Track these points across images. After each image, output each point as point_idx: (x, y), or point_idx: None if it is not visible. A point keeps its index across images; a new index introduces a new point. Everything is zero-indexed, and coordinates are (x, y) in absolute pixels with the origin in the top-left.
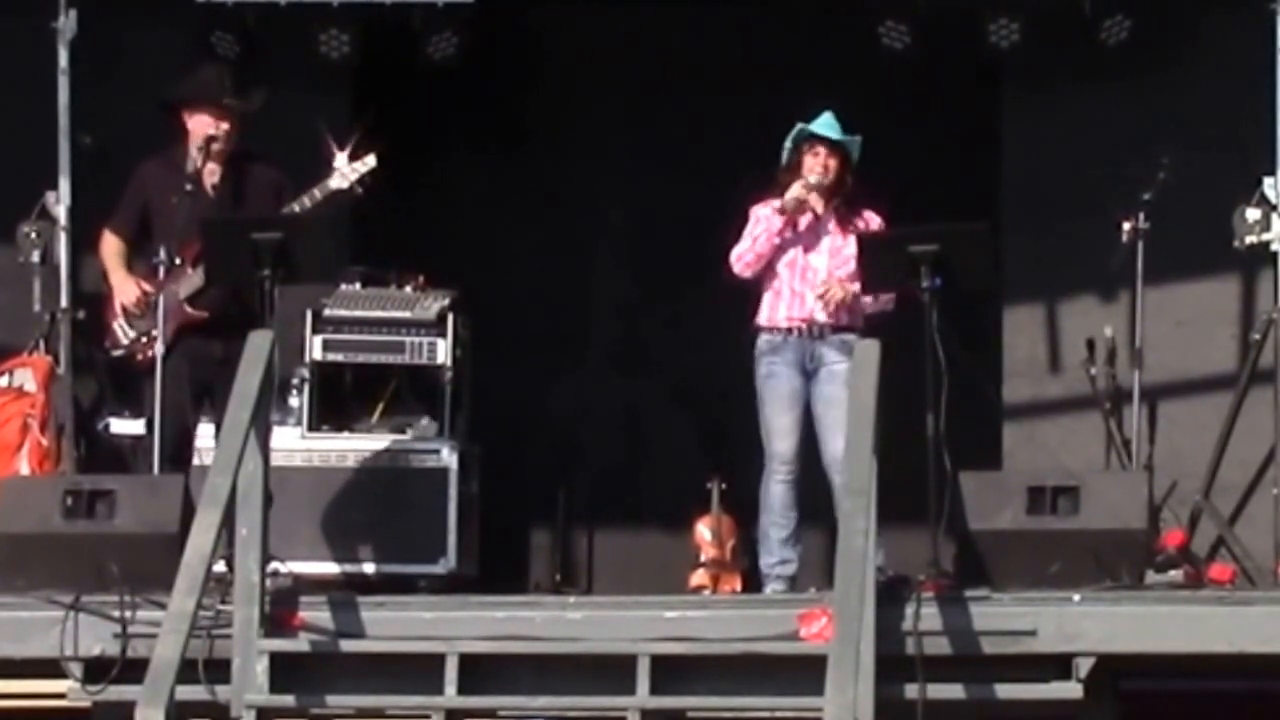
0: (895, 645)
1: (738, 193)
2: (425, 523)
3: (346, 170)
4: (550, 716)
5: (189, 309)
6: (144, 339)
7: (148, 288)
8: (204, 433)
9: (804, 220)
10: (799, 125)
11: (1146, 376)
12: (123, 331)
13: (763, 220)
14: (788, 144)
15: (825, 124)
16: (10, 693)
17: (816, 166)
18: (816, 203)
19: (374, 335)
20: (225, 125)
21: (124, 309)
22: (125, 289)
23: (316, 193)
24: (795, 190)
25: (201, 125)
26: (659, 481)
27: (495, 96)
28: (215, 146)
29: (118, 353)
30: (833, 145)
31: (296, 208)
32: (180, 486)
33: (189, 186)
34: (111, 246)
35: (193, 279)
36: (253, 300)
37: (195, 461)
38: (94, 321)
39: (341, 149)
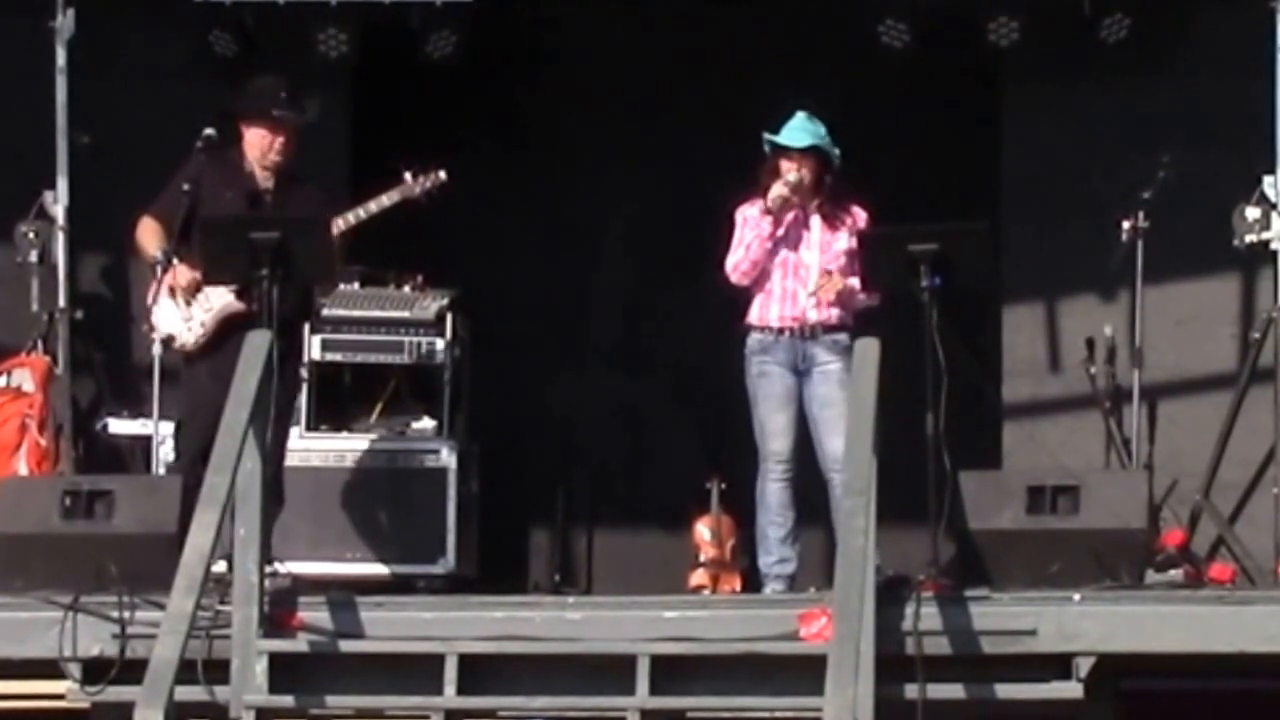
0: (895, 645)
1: (736, 191)
2: (424, 523)
3: (416, 183)
4: (550, 716)
5: (236, 301)
6: (185, 325)
7: (198, 275)
8: None
9: (789, 220)
10: (765, 135)
11: (1146, 376)
12: (165, 318)
13: (750, 222)
14: (766, 149)
15: (795, 127)
16: (9, 693)
17: (792, 169)
18: (803, 194)
19: (373, 335)
20: (281, 138)
21: (173, 290)
22: (180, 271)
23: (385, 200)
24: (777, 189)
25: (258, 138)
26: (659, 481)
27: (494, 95)
28: (273, 157)
29: (156, 337)
30: (804, 150)
31: (363, 213)
32: (179, 486)
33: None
34: (152, 232)
35: None
36: (310, 294)
37: None
38: (131, 309)
39: (408, 169)
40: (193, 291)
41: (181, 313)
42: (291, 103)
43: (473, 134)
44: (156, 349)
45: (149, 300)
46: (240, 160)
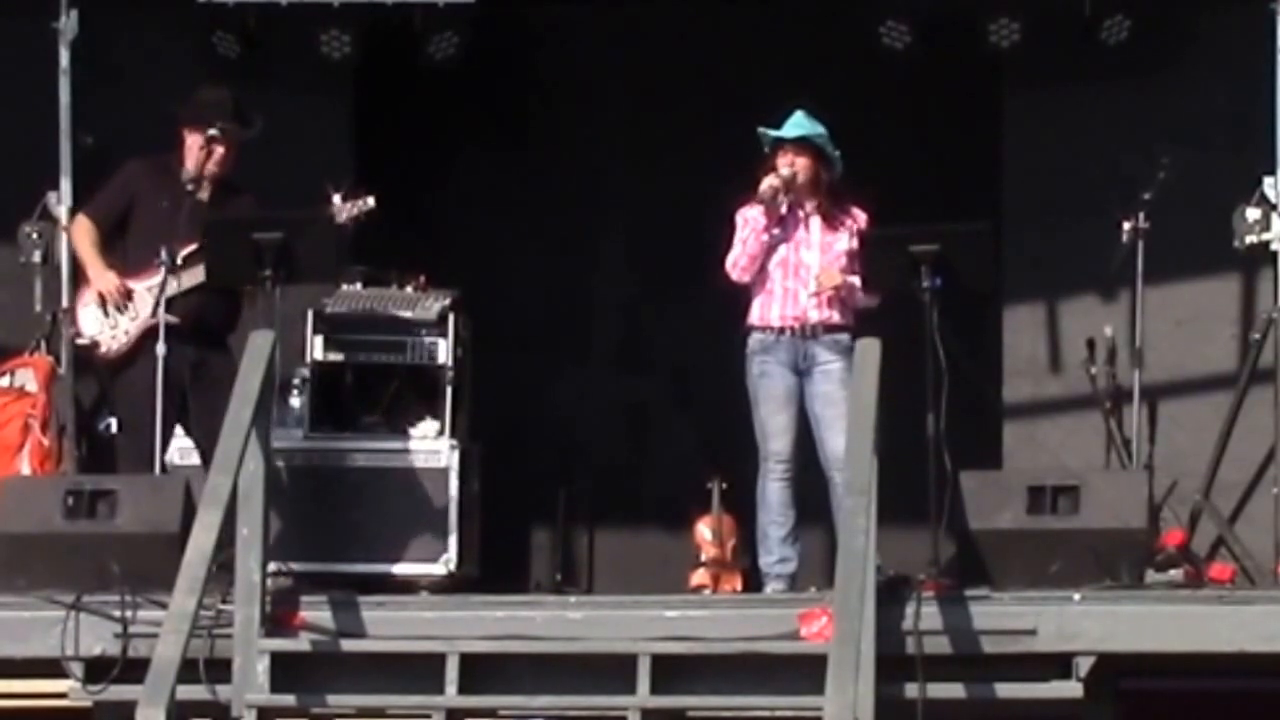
0: (895, 645)
1: (736, 192)
2: (426, 522)
3: (343, 208)
4: (550, 716)
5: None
6: (110, 333)
7: (128, 283)
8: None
9: (790, 220)
10: (759, 130)
11: (1146, 376)
12: (90, 321)
13: (751, 223)
14: (766, 148)
15: (791, 124)
16: (11, 693)
17: (785, 163)
18: (800, 188)
19: (375, 335)
20: (220, 150)
21: (102, 298)
22: (106, 278)
23: None
24: (768, 180)
25: (197, 148)
26: (660, 481)
27: (496, 96)
28: (210, 168)
29: (81, 341)
30: (798, 144)
31: None
32: (182, 486)
33: (190, 187)
34: (88, 234)
35: (171, 282)
36: (238, 307)
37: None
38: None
39: (338, 191)
40: (122, 300)
41: (108, 319)
42: (237, 117)
43: (475, 135)
44: (160, 349)
45: (77, 303)
46: (178, 168)
